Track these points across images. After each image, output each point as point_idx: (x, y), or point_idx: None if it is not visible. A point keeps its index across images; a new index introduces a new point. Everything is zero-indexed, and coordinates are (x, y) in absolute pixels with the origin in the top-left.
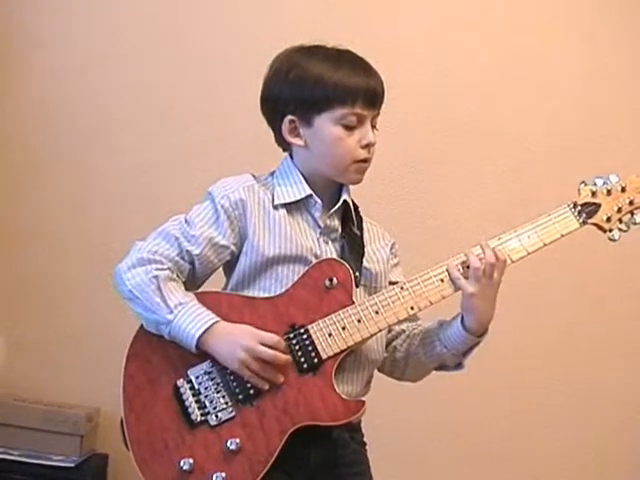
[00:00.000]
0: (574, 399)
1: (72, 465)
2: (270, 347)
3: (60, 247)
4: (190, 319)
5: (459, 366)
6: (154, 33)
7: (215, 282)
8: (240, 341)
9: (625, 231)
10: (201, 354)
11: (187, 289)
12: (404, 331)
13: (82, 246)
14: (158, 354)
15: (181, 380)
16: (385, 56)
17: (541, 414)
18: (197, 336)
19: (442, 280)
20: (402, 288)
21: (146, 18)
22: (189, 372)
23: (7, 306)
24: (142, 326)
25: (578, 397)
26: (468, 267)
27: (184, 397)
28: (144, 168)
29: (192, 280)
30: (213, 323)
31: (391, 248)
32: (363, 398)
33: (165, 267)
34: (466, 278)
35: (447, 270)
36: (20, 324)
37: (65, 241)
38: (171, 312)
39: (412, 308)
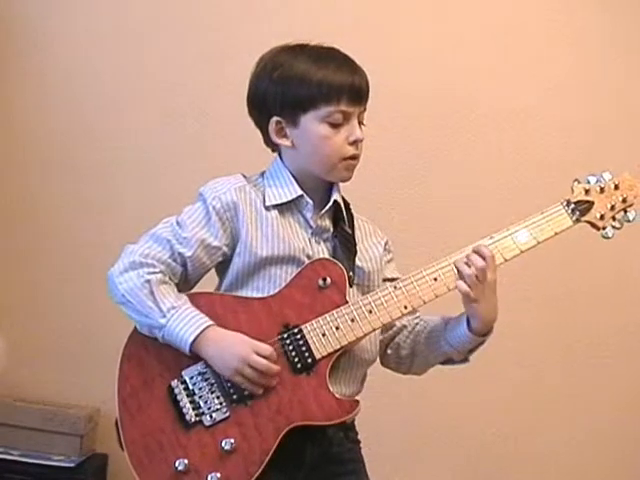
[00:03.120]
0: (573, 397)
1: (72, 465)
2: (264, 357)
3: (60, 247)
4: (183, 323)
5: (465, 360)
6: (153, 34)
7: (208, 283)
8: (234, 350)
9: (619, 228)
10: (195, 355)
11: (180, 290)
12: (405, 326)
13: (82, 246)
14: (152, 355)
15: (175, 381)
16: (383, 55)
17: (542, 411)
18: (190, 341)
19: (435, 279)
20: (395, 287)
21: (145, 18)
22: (183, 373)
23: (7, 306)
24: (136, 327)
25: (577, 395)
26: (462, 278)
27: (178, 398)
28: (142, 169)
29: (185, 281)
30: (206, 327)
31: (385, 245)
32: (357, 397)
33: (157, 270)
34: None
35: (456, 269)
36: (20, 324)
37: (65, 241)
38: (164, 316)
39: (405, 307)
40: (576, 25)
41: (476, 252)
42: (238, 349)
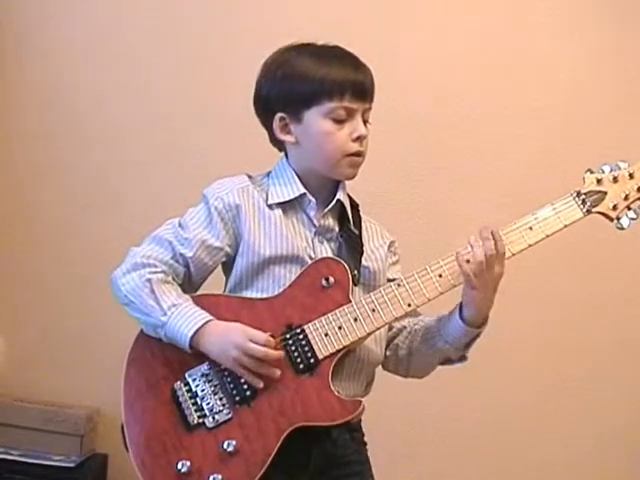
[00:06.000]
0: (574, 395)
1: (72, 465)
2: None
3: (60, 247)
4: (183, 319)
5: (462, 359)
6: (153, 34)
7: (216, 284)
8: (231, 339)
9: (635, 219)
10: (199, 357)
11: (185, 292)
12: (405, 328)
13: (82, 247)
14: (157, 358)
15: (178, 383)
16: (385, 56)
17: (541, 411)
18: (190, 335)
19: (440, 275)
20: (399, 285)
21: (144, 21)
22: (186, 375)
23: (7, 306)
24: (142, 330)
25: (578, 393)
26: (468, 261)
27: (181, 400)
28: (145, 170)
29: (189, 282)
30: (205, 322)
31: (389, 246)
32: (362, 399)
33: (159, 270)
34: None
35: (457, 262)
36: (20, 324)
37: (65, 242)
38: (165, 314)
39: (409, 305)
40: (582, 25)
41: (492, 239)
42: (233, 338)
